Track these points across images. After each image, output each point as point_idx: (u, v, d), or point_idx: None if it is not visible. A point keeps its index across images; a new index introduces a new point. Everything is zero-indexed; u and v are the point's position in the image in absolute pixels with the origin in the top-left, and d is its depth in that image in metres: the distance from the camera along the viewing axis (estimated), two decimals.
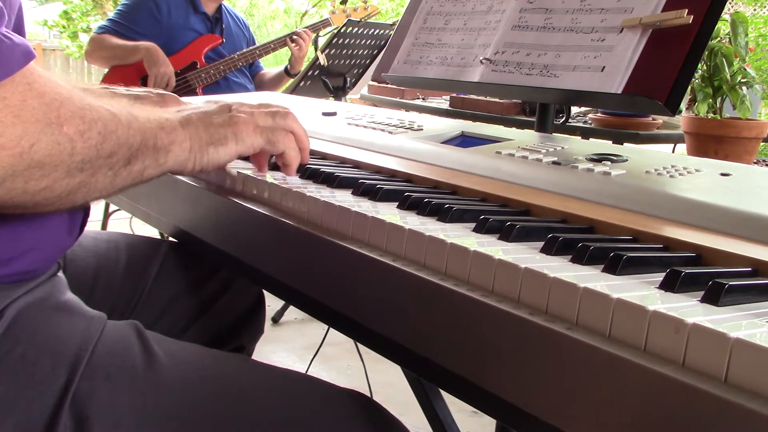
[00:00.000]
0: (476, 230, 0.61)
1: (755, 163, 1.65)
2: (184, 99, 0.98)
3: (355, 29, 2.74)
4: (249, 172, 0.81)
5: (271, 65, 3.21)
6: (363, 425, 0.71)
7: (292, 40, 2.83)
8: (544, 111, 1.18)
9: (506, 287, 0.51)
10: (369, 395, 0.77)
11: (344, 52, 2.80)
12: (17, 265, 0.66)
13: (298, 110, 0.92)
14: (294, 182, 0.77)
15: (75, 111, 0.58)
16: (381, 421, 0.73)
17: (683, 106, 1.89)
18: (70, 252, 0.90)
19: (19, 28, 0.65)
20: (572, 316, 0.46)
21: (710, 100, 1.56)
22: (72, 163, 0.58)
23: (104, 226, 3.14)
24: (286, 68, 2.92)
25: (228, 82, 2.80)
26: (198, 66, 2.73)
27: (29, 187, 0.56)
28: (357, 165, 0.91)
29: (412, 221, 0.62)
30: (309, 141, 0.82)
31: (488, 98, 2.40)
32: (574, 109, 2.37)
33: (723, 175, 0.74)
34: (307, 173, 0.82)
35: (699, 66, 1.48)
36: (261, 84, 2.97)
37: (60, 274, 0.76)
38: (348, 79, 2.88)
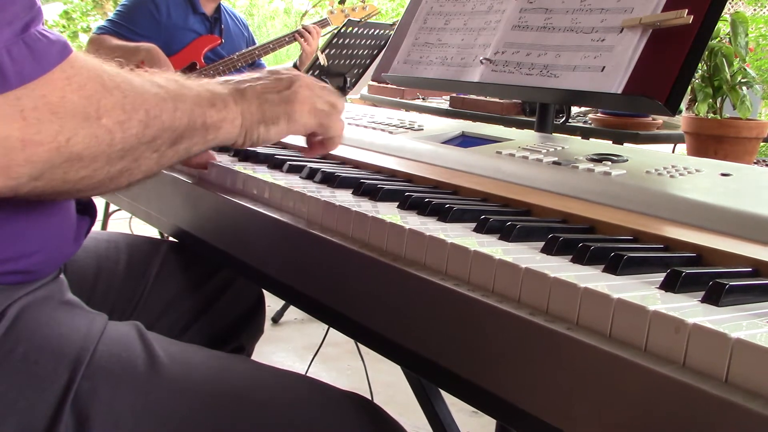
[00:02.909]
0: (477, 230, 0.61)
1: (755, 163, 1.65)
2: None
3: (355, 29, 2.73)
4: (249, 172, 0.81)
5: (271, 64, 3.21)
6: (363, 428, 0.71)
7: (302, 36, 2.83)
8: (544, 111, 1.18)
9: (507, 287, 0.51)
10: (369, 395, 0.77)
11: (344, 52, 2.80)
12: (21, 266, 0.66)
13: None
14: (294, 182, 0.78)
15: (116, 101, 0.57)
16: (381, 423, 0.73)
17: (683, 106, 1.88)
18: None
19: None
20: (573, 316, 0.46)
21: (710, 100, 1.56)
22: (112, 153, 0.58)
23: (104, 226, 3.14)
24: (295, 64, 2.92)
25: None
26: (197, 67, 2.73)
27: (69, 177, 0.56)
28: (357, 165, 0.91)
29: (412, 221, 0.62)
30: None
31: (488, 98, 2.40)
32: (574, 109, 2.37)
33: (723, 175, 0.74)
34: (307, 173, 0.82)
35: (699, 66, 1.48)
36: None
37: (61, 276, 0.76)
38: (348, 79, 2.88)
